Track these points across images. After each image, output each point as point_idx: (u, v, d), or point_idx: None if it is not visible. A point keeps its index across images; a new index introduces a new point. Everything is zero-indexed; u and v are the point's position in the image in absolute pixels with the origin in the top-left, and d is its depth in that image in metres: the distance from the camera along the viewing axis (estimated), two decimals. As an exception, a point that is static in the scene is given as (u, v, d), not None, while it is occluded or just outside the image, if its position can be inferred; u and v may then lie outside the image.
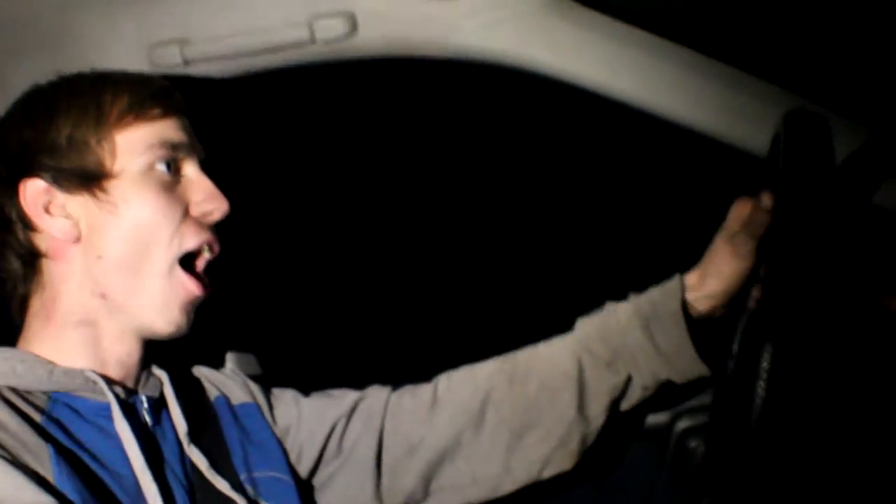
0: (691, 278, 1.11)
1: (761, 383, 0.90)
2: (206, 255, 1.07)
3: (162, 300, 1.03)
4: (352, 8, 1.19)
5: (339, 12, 1.19)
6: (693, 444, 1.31)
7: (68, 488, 0.90)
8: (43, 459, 0.91)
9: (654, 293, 1.13)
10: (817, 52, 1.23)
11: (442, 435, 1.18)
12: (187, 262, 1.06)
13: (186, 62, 1.22)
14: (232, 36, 1.21)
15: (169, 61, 1.22)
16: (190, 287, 1.04)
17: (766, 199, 1.04)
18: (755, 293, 1.07)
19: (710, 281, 1.09)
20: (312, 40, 1.20)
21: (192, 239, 1.04)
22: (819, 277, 0.92)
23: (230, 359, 1.40)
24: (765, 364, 0.90)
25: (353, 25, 1.20)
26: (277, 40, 1.21)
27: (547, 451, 1.16)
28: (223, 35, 1.21)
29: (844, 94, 1.19)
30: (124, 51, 1.22)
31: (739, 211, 1.08)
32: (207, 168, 1.09)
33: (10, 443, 0.90)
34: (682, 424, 1.31)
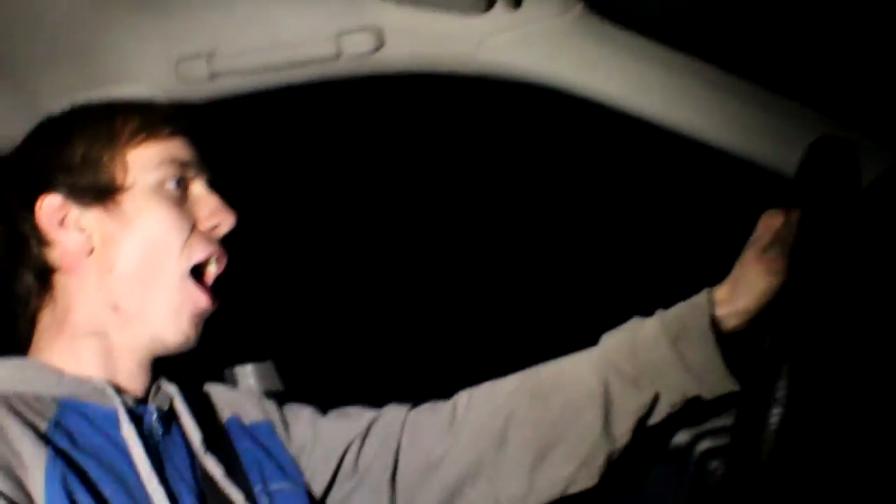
0: (720, 293, 1.09)
1: (776, 409, 0.89)
2: (213, 269, 1.09)
3: (172, 311, 1.05)
4: (379, 23, 1.19)
5: (366, 27, 1.18)
6: (713, 465, 1.30)
7: (59, 495, 0.89)
8: (35, 472, 0.90)
9: (681, 309, 1.11)
10: (846, 73, 1.22)
11: (463, 455, 1.17)
12: (196, 274, 1.08)
13: (213, 76, 1.22)
14: (259, 50, 1.20)
15: (196, 75, 1.22)
16: (199, 298, 1.07)
17: (796, 216, 1.00)
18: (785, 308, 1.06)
19: (740, 297, 1.07)
20: (339, 55, 1.20)
21: (201, 251, 1.07)
22: (840, 302, 0.92)
23: (248, 373, 1.41)
24: (780, 392, 0.89)
25: (381, 41, 1.19)
26: (304, 55, 1.20)
27: (571, 471, 1.14)
28: (250, 49, 1.20)
29: (874, 116, 1.18)
30: (151, 64, 1.22)
31: (769, 224, 1.06)
32: (216, 186, 1.12)
33: (3, 453, 0.89)
34: (703, 445, 1.31)
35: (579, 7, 1.16)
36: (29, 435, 0.92)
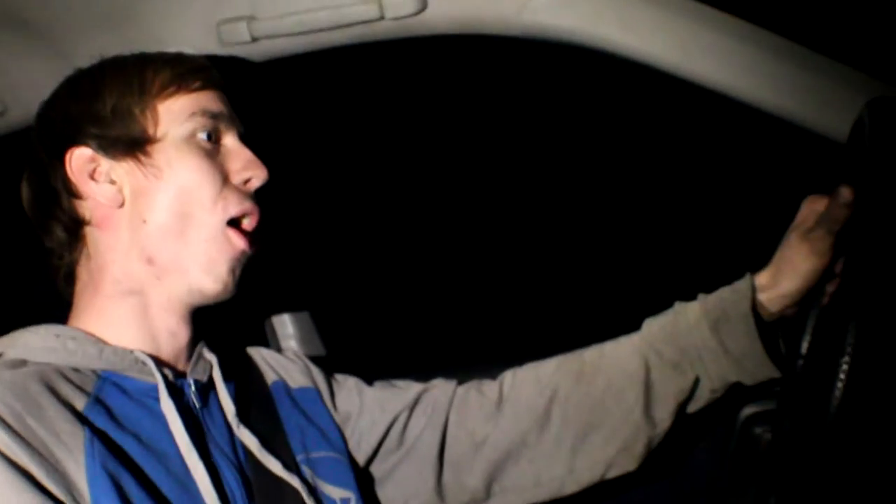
0: (763, 278, 1.08)
1: (841, 377, 0.88)
2: (247, 223, 1.07)
3: (208, 258, 1.04)
4: (422, -15, 1.17)
5: (409, -11, 1.17)
6: (758, 430, 1.30)
7: (100, 475, 0.89)
8: (75, 449, 0.90)
9: (723, 293, 1.10)
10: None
11: (507, 434, 1.17)
12: (233, 224, 1.07)
13: (254, 39, 1.20)
14: (300, 13, 1.18)
15: (237, 38, 1.20)
16: (237, 242, 1.05)
17: (846, 193, 1.00)
18: (829, 289, 1.05)
19: (784, 280, 1.06)
20: (382, 17, 1.18)
21: (235, 205, 1.05)
22: None
23: (290, 336, 1.41)
24: (846, 358, 0.88)
25: (423, 3, 1.17)
26: (347, 17, 1.18)
27: (612, 453, 1.15)
28: (291, 12, 1.19)
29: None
30: (192, 27, 1.21)
31: (813, 206, 1.05)
32: (248, 141, 1.11)
33: (41, 434, 0.88)
34: (748, 411, 1.30)
35: (626, -33, 1.14)
36: (67, 414, 0.92)
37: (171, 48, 1.17)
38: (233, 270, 1.06)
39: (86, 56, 1.13)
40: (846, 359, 0.89)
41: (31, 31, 1.22)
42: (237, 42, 1.21)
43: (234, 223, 1.06)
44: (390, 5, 1.17)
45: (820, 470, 0.95)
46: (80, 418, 0.93)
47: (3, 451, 0.85)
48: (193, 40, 1.20)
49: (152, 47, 1.15)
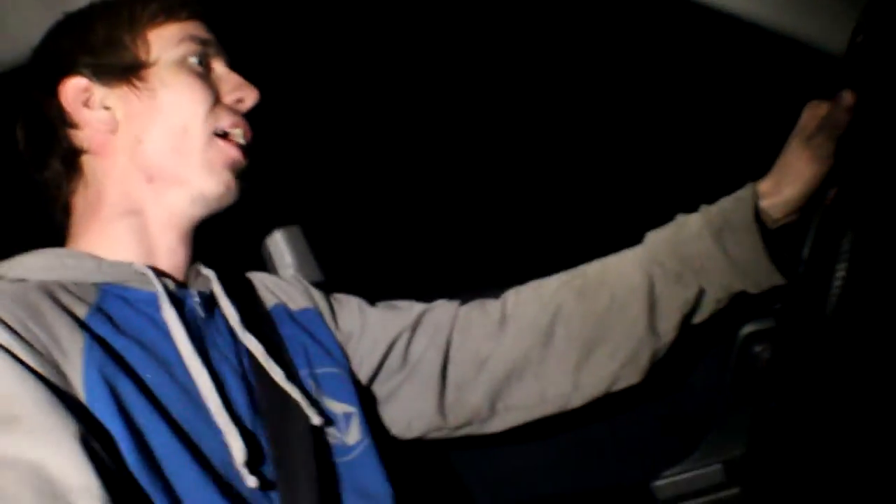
0: (765, 185, 1.08)
1: (839, 276, 0.88)
2: (239, 139, 1.08)
3: (207, 165, 1.05)
4: None
5: None
6: (758, 348, 1.30)
7: (97, 381, 0.88)
8: (73, 354, 0.89)
9: (725, 202, 1.10)
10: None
11: (511, 352, 1.17)
12: (225, 138, 1.08)
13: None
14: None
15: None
16: (229, 151, 1.07)
17: (847, 97, 0.99)
18: (831, 195, 1.04)
19: (786, 187, 1.06)
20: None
21: (226, 119, 1.07)
22: None
23: (288, 264, 1.40)
24: (843, 259, 0.88)
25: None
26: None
27: (616, 367, 1.15)
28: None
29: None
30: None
31: (815, 112, 1.05)
32: (237, 69, 1.12)
33: (43, 339, 0.88)
34: (747, 329, 1.30)
35: None
36: (67, 320, 0.91)
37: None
38: (234, 173, 1.07)
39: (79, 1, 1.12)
40: (843, 265, 0.89)
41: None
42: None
43: (223, 136, 1.07)
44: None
45: (817, 375, 0.96)
46: (81, 325, 0.92)
47: (7, 347, 0.85)
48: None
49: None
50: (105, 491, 0.79)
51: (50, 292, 0.94)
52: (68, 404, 0.84)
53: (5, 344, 0.85)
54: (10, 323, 0.87)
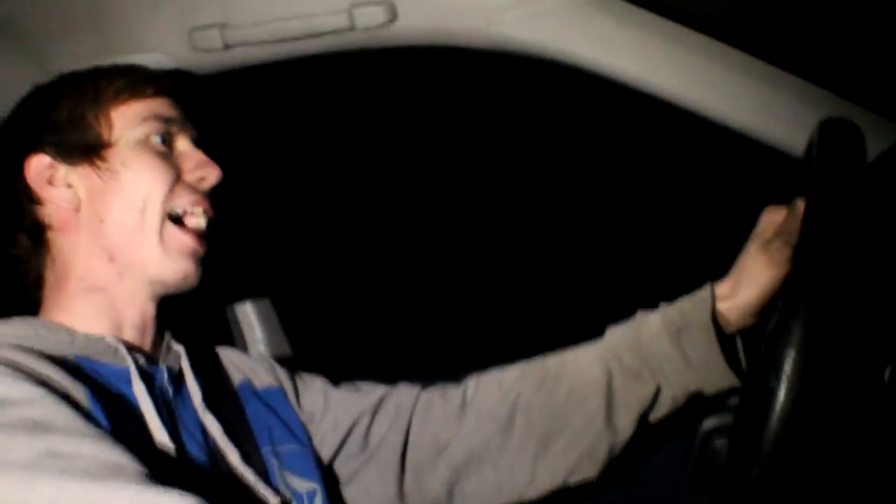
0: (723, 288, 1.10)
1: (783, 388, 0.89)
2: (200, 221, 1.10)
3: (162, 251, 1.07)
4: (392, -4, 1.19)
5: (379, 0, 1.19)
6: (719, 443, 1.30)
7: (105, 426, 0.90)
8: (81, 400, 0.91)
9: (684, 303, 1.12)
10: (855, 50, 1.22)
11: (470, 439, 1.18)
12: (180, 222, 1.09)
13: (227, 46, 1.22)
14: (272, 21, 1.21)
15: (209, 45, 1.22)
16: (182, 239, 1.08)
17: (801, 206, 1.02)
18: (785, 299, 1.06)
19: (743, 290, 1.08)
20: (352, 27, 1.20)
21: (186, 198, 1.09)
22: (848, 277, 0.91)
23: (259, 339, 1.42)
24: (787, 367, 0.89)
25: (393, 14, 1.19)
26: (317, 26, 1.20)
27: (573, 460, 1.15)
28: (264, 20, 1.21)
29: (882, 93, 1.17)
30: (165, 34, 1.23)
31: (772, 217, 1.07)
32: (203, 145, 1.14)
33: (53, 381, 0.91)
34: (709, 424, 1.31)
35: (591, -17, 1.17)
36: (61, 375, 0.93)
37: (145, 53, 1.20)
38: (191, 261, 1.08)
39: (64, 59, 1.15)
40: (785, 379, 0.89)
41: (6, 35, 1.24)
42: (209, 49, 1.23)
43: (178, 221, 1.09)
44: (361, 16, 1.19)
45: (772, 477, 0.96)
46: (77, 380, 0.94)
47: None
48: (166, 46, 1.23)
49: (126, 52, 1.18)
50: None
51: (29, 355, 0.95)
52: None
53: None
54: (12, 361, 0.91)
